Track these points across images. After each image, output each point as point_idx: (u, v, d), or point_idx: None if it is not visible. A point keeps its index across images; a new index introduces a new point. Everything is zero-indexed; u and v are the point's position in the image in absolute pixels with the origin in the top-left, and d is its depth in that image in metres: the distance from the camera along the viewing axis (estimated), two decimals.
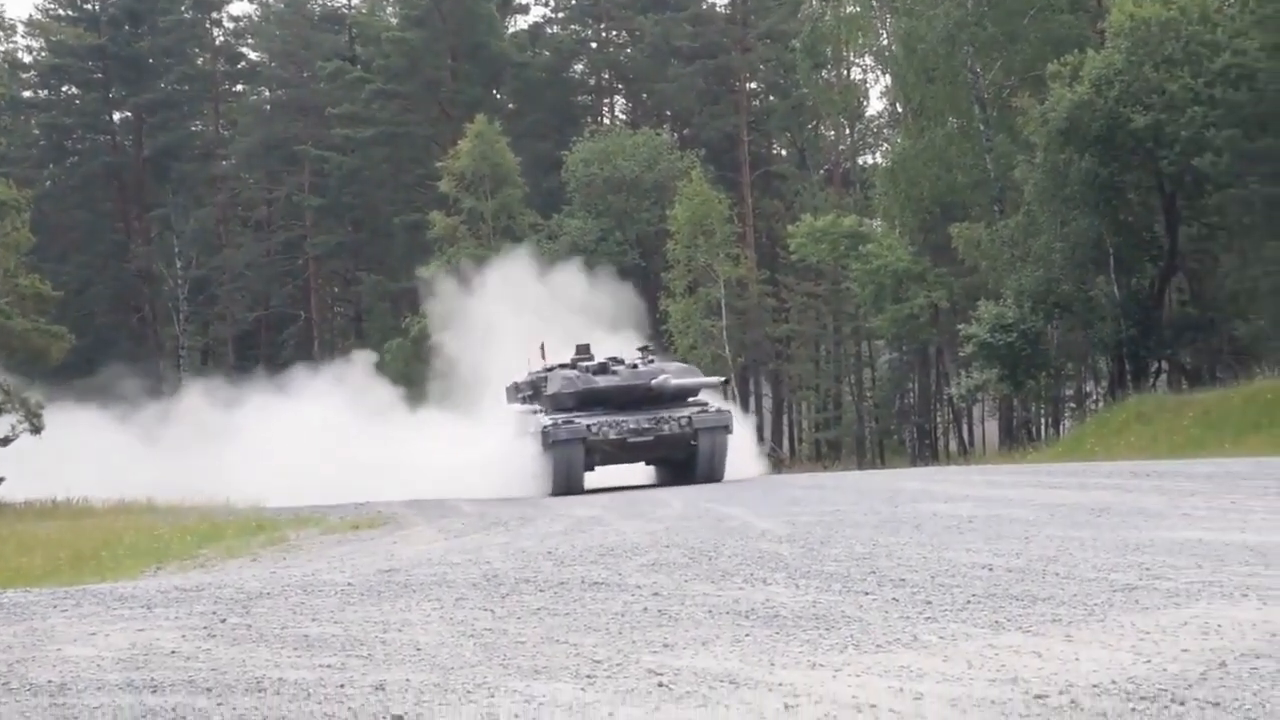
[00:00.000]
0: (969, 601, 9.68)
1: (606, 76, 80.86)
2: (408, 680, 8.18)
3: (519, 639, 9.36)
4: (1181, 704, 6.49)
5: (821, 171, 74.46)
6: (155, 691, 8.23)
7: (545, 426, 27.51)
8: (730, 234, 61.66)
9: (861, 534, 14.44)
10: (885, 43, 59.10)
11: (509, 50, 71.80)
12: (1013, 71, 49.87)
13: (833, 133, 75.98)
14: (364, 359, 52.02)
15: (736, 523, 17.10)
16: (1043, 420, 54.86)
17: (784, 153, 78.72)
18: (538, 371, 30.62)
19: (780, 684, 7.49)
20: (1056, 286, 43.57)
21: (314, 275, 74.83)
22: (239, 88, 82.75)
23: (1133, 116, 39.93)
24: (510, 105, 74.96)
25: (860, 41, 60.35)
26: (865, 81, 72.74)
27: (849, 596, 10.29)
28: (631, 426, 27.58)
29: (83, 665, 9.09)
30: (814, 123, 75.30)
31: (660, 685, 7.63)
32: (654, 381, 28.32)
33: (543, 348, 30.81)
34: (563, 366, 29.69)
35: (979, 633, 8.57)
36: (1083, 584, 10.10)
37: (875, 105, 76.62)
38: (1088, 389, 53.46)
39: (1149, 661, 7.44)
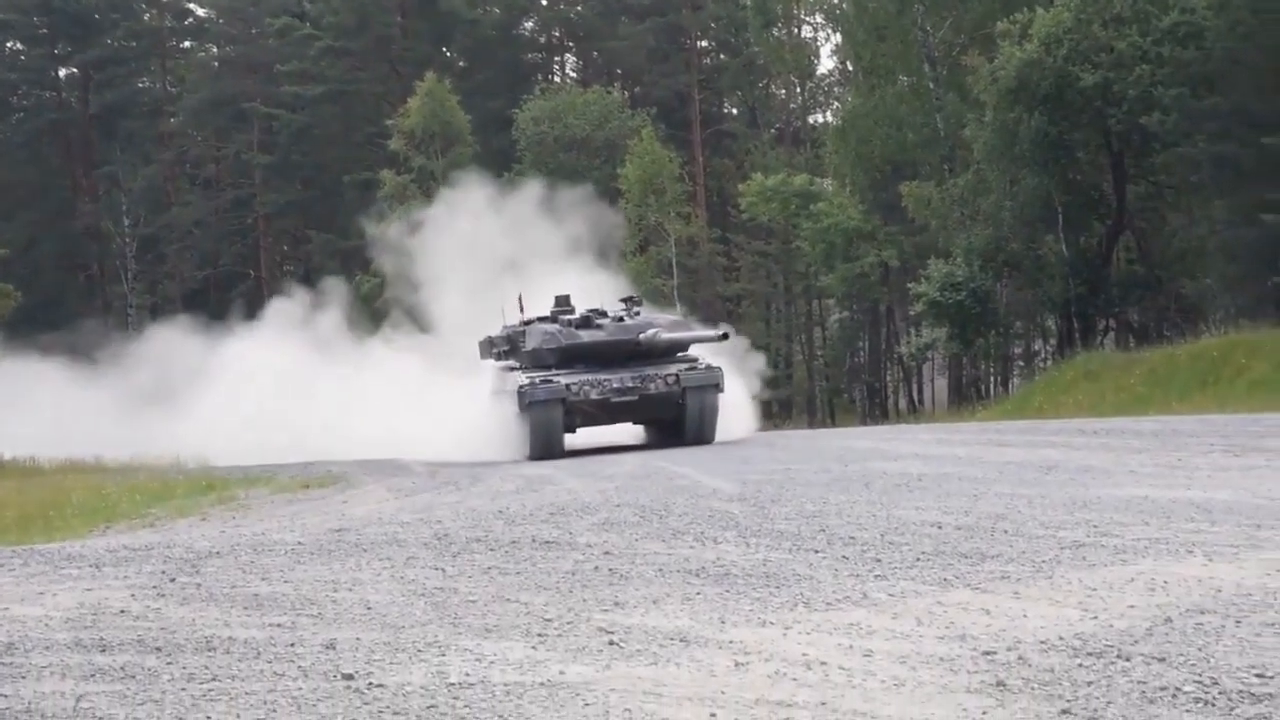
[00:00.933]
0: (918, 559, 9.73)
1: (557, 34, 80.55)
2: (358, 639, 8.17)
3: (470, 598, 9.36)
4: (1128, 660, 6.54)
5: (772, 130, 74.46)
6: (104, 651, 8.21)
7: (522, 385, 25.34)
8: (681, 193, 61.65)
9: (811, 492, 14.48)
10: (836, 1, 59.06)
11: (459, 7, 71.43)
12: (963, 30, 49.91)
13: (784, 91, 75.96)
14: (335, 289, 48.36)
15: (687, 481, 17.13)
16: (992, 378, 55.12)
17: (735, 111, 78.65)
18: (514, 325, 28.26)
19: (730, 642, 7.52)
20: (1006, 245, 43.75)
21: (263, 234, 74.47)
22: (187, 44, 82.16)
23: (1081, 75, 40.07)
24: (460, 63, 74.64)
25: None
26: (816, 40, 72.75)
27: (799, 555, 10.32)
28: (614, 386, 25.56)
29: (30, 625, 9.05)
30: (765, 81, 75.26)
31: (611, 643, 7.65)
32: (642, 336, 26.26)
33: (520, 299, 28.38)
34: (541, 320, 27.47)
35: (928, 590, 8.61)
36: (1031, 541, 10.16)
37: (826, 64, 76.57)
38: (1036, 347, 53.80)
39: (1096, 618, 7.49)
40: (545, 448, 25.02)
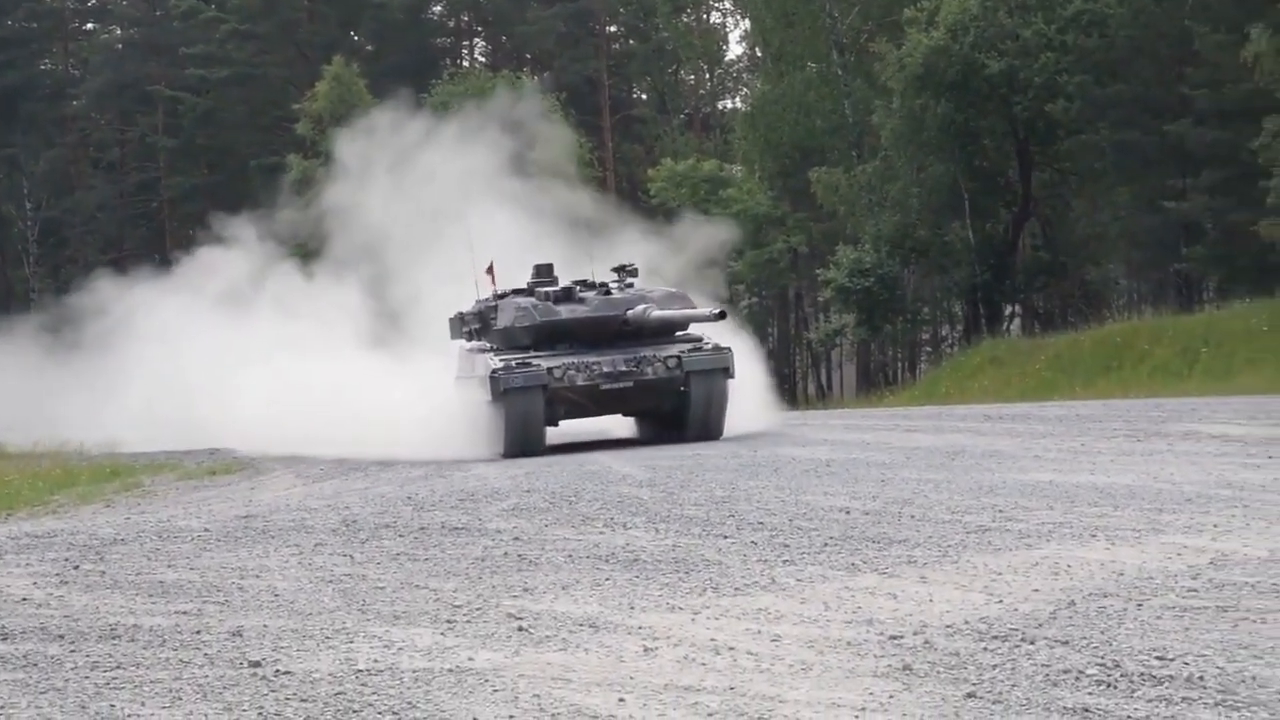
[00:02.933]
0: (826, 544, 9.78)
1: (466, 18, 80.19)
2: (265, 626, 8.13)
3: (378, 584, 9.34)
4: (1032, 643, 6.61)
5: (682, 116, 74.50)
6: (6, 639, 8.12)
7: (495, 370, 21.40)
8: (590, 178, 61.59)
9: (721, 478, 14.53)
10: None
11: None
12: (870, 17, 50.12)
13: (693, 77, 76.02)
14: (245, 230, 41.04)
15: (597, 467, 17.14)
16: (899, 364, 55.50)
17: (644, 97, 78.63)
18: (486, 299, 24.18)
19: (640, 627, 7.53)
20: (913, 231, 44.06)
21: (168, 218, 73.72)
22: (89, 26, 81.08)
23: (987, 62, 40.41)
24: (368, 47, 74.14)
25: None
26: (725, 26, 72.91)
27: (708, 540, 10.36)
28: (604, 370, 21.65)
29: None
30: (674, 67, 75.28)
31: (520, 629, 7.65)
32: (631, 312, 22.36)
33: (491, 269, 24.11)
34: (517, 293, 23.46)
35: (836, 575, 8.66)
36: (937, 526, 10.24)
37: (735, 50, 76.75)
38: (943, 333, 54.18)
39: (1001, 602, 7.57)
40: (523, 443, 21.35)
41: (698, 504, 12.43)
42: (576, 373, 21.66)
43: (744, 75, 72.94)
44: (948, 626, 7.08)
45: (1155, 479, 12.21)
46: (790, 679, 6.35)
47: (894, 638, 6.92)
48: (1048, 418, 21.03)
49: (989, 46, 40.73)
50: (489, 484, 15.65)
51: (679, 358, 21.79)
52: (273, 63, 70.34)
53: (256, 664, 7.19)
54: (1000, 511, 10.71)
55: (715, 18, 72.15)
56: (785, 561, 9.23)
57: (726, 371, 22.00)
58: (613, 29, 77.25)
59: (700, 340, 22.46)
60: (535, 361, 21.70)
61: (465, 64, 77.60)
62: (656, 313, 22.39)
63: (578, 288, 23.10)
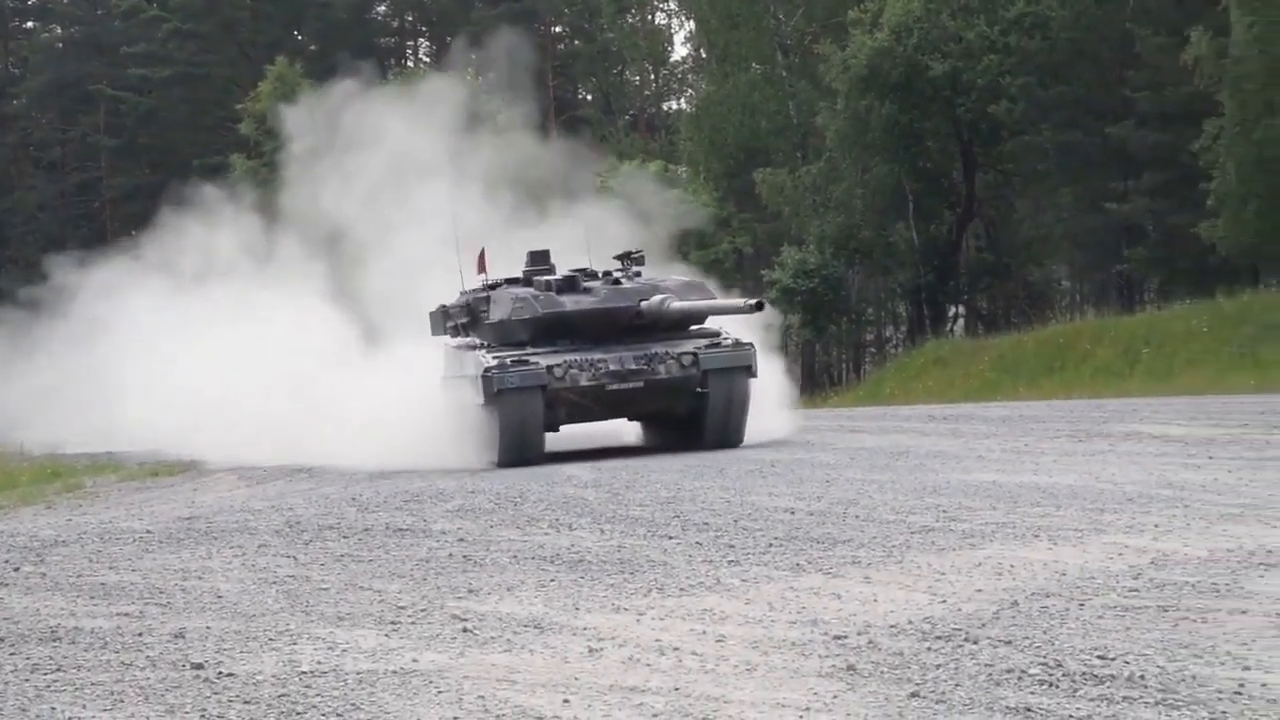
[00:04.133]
0: (771, 545, 9.80)
1: (410, 18, 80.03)
2: (208, 628, 8.09)
3: (322, 586, 9.31)
4: (975, 643, 6.64)
5: (627, 117, 74.53)
6: None
7: (488, 368, 19.09)
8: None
9: (666, 479, 14.54)
10: None
11: None
12: (815, 18, 50.24)
13: (638, 78, 76.05)
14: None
15: (542, 468, 17.12)
16: (844, 365, 55.62)
17: (589, 97, 78.64)
18: (475, 290, 21.58)
19: (585, 628, 7.53)
20: (857, 232, 44.18)
21: (110, 218, 73.27)
22: (30, 25, 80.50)
23: (931, 64, 40.60)
24: (312, 46, 73.89)
25: None
26: (670, 27, 72.91)
27: (653, 541, 10.36)
28: (611, 369, 19.36)
29: None
30: (619, 68, 75.31)
31: (465, 630, 7.63)
32: (645, 304, 19.96)
33: (483, 256, 21.48)
34: (510, 282, 21.11)
35: (781, 575, 8.68)
36: (882, 526, 10.28)
37: (680, 51, 76.78)
38: (887, 334, 54.34)
39: (944, 602, 7.60)
40: (519, 450, 19.16)
41: (643, 505, 12.44)
42: (579, 371, 19.39)
43: (689, 76, 73.00)
44: (892, 626, 7.11)
45: (1097, 479, 12.29)
46: (735, 679, 6.36)
47: (838, 638, 6.94)
48: (991, 418, 21.14)
49: (933, 48, 40.93)
50: (434, 485, 15.63)
51: (695, 355, 19.54)
52: (215, 62, 69.99)
53: (199, 666, 7.15)
54: (944, 512, 10.76)
55: (660, 19, 72.23)
56: (730, 562, 9.24)
57: (749, 370, 19.72)
58: (557, 29, 77.24)
59: (718, 335, 20.22)
60: (533, 359, 19.40)
61: (410, 64, 77.41)
62: (677, 304, 20.00)
63: (581, 276, 20.70)
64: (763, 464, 15.57)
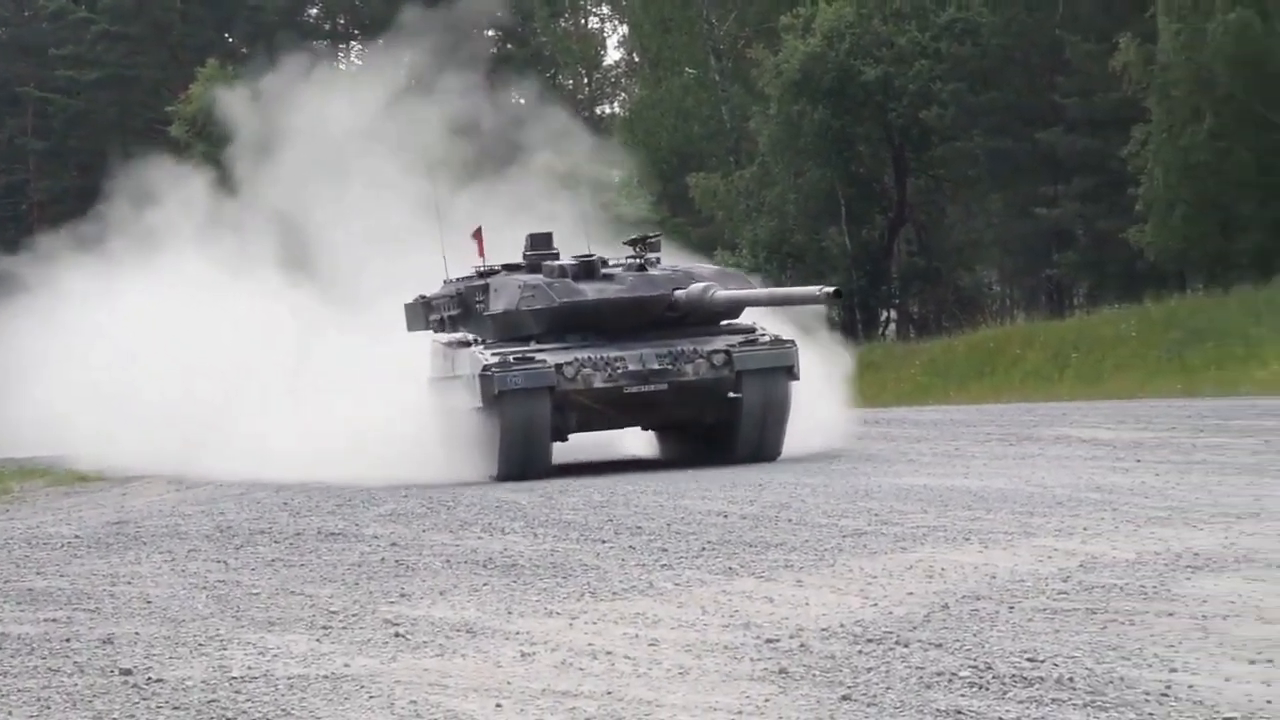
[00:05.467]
0: (704, 548, 9.82)
1: (342, 21, 79.73)
2: (137, 634, 8.03)
3: (253, 590, 9.26)
4: (906, 646, 6.67)
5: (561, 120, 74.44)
6: None
7: (488, 366, 16.61)
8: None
9: (599, 483, 14.56)
10: None
11: None
12: (747, 23, 50.35)
13: (571, 82, 76.02)
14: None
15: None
16: None
17: (523, 101, 78.53)
18: (467, 278, 18.90)
19: (517, 632, 7.52)
20: (790, 237, 44.30)
21: (38, 220, 72.62)
22: None
23: (863, 69, 40.79)
24: (243, 49, 73.49)
25: None
26: (603, 31, 72.90)
27: (586, 545, 10.37)
28: (631, 368, 16.82)
29: None
30: (552, 71, 75.26)
31: (397, 635, 7.61)
32: (683, 294, 17.46)
33: (479, 235, 18.93)
34: (511, 269, 18.58)
35: (713, 579, 8.70)
36: (814, 530, 10.32)
37: (613, 55, 76.83)
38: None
39: (876, 605, 7.63)
40: (523, 461, 16.83)
41: (576, 509, 12.44)
42: (594, 371, 16.87)
43: (622, 80, 73.05)
44: (823, 630, 7.13)
45: (1027, 482, 12.38)
46: (667, 683, 6.37)
47: (770, 641, 6.95)
48: (923, 422, 21.27)
49: (865, 54, 41.11)
50: (366, 489, 15.56)
51: (728, 353, 16.98)
52: (145, 64, 69.46)
53: (128, 672, 7.10)
54: (876, 515, 10.81)
55: (593, 23, 72.22)
56: (663, 566, 9.26)
57: (790, 372, 17.16)
58: (490, 32, 77.11)
59: (752, 330, 17.67)
60: (540, 355, 16.92)
61: (341, 67, 77.08)
62: (723, 293, 17.46)
63: (600, 262, 18.19)
64: (696, 468, 15.59)
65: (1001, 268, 49.62)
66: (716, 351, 16.97)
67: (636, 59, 62.32)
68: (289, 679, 6.79)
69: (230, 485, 17.99)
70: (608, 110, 74.20)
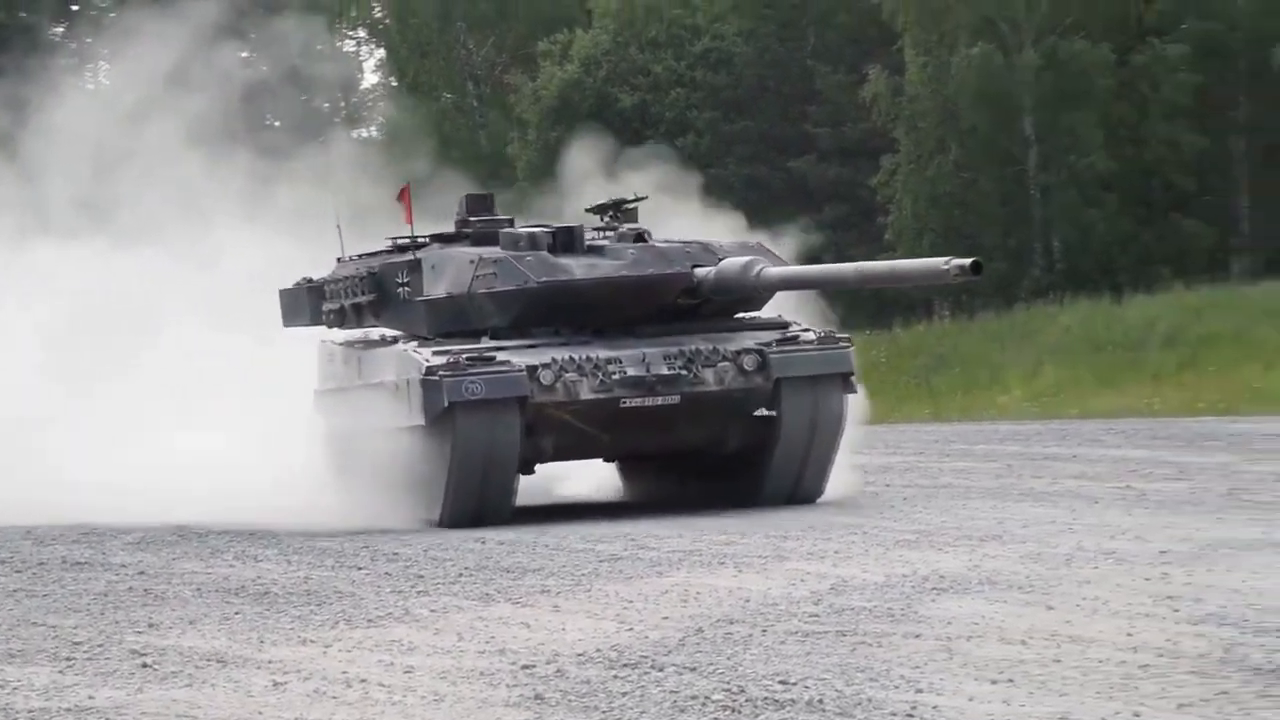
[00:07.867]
0: (461, 574, 9.79)
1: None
2: None
3: None
4: (661, 670, 6.71)
5: (317, 143, 73.73)
6: None
7: (433, 369, 12.43)
8: None
9: None
10: (379, 15, 58.96)
11: None
12: (505, 49, 50.45)
13: (327, 104, 75.32)
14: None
15: None
16: None
17: (278, 124, 77.60)
18: (383, 253, 14.52)
19: (269, 661, 7.41)
20: None
21: None
22: None
23: (620, 96, 41.11)
24: None
25: (354, 14, 59.99)
26: (359, 54, 72.34)
27: (341, 571, 10.27)
28: (630, 373, 12.66)
29: None
30: (307, 95, 74.48)
31: (144, 666, 7.44)
32: (709, 272, 13.24)
33: (406, 194, 14.19)
34: (441, 239, 14.19)
35: (470, 605, 8.68)
36: (571, 555, 10.35)
37: (370, 78, 76.33)
38: None
39: (631, 629, 7.67)
40: (478, 498, 12.70)
41: (332, 535, 12.29)
42: (580, 377, 12.61)
43: (379, 104, 72.58)
44: (579, 655, 7.14)
45: (779, 507, 12.54)
46: (422, 711, 6.32)
47: (526, 667, 6.95)
48: None
49: (622, 81, 41.48)
50: (112, 516, 15.17)
51: (761, 354, 12.85)
52: None
53: None
54: (632, 540, 10.88)
55: (349, 45, 71.61)
56: (420, 592, 9.20)
57: (846, 381, 13.27)
58: (244, 54, 76.06)
59: (786, 325, 13.58)
60: (504, 356, 12.64)
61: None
62: (775, 270, 13.33)
63: (581, 229, 13.78)
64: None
65: None
66: (746, 352, 12.87)
67: (393, 83, 61.98)
68: (30, 712, 6.60)
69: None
70: (364, 134, 73.67)
